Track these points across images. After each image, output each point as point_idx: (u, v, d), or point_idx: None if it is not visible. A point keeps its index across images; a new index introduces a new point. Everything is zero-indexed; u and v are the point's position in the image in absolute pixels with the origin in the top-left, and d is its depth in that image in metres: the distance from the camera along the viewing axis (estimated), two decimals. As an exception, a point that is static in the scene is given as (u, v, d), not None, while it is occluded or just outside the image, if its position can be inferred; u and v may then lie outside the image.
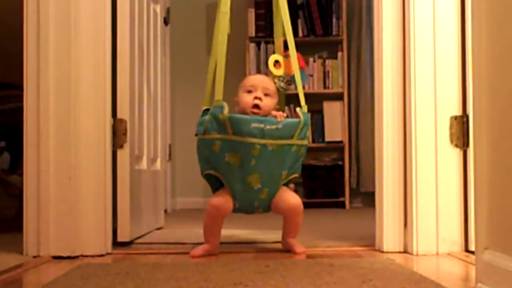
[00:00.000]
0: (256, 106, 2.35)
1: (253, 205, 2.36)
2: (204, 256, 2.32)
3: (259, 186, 2.32)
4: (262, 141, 2.26)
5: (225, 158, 2.28)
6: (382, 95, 2.41)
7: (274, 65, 2.46)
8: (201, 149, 2.35)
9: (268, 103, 2.37)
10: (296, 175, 2.42)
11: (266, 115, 2.34)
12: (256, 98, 2.36)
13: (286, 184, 2.43)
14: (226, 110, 2.26)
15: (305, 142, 2.39)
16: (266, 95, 2.37)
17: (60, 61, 2.32)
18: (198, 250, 2.34)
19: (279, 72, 2.45)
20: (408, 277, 1.78)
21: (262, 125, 2.26)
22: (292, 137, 2.33)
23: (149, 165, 3.00)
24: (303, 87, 2.47)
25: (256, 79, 2.42)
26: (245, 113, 2.35)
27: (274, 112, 2.35)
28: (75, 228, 2.31)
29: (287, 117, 2.37)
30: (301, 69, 2.47)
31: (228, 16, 2.38)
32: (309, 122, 2.40)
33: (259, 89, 2.37)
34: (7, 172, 3.31)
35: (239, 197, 2.33)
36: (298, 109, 2.39)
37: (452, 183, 2.32)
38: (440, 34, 2.33)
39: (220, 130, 2.27)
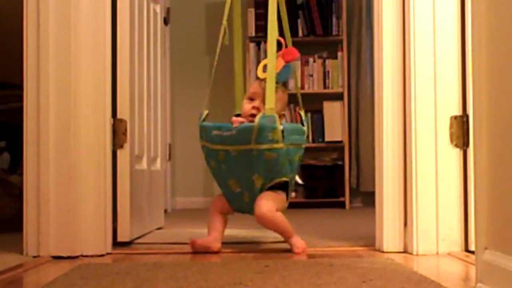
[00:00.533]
0: (252, 115, 2.40)
1: (243, 206, 2.45)
2: (203, 247, 2.39)
3: (238, 189, 2.41)
4: (223, 147, 2.35)
5: (210, 163, 2.45)
6: (382, 95, 2.41)
7: (264, 69, 2.46)
8: None
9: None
10: (284, 179, 2.39)
11: None
12: (253, 108, 2.42)
13: (273, 188, 2.39)
14: (201, 119, 2.44)
15: (264, 146, 2.27)
16: None
17: (60, 61, 2.32)
18: (199, 239, 2.41)
19: (265, 75, 2.44)
20: (408, 277, 1.78)
21: (220, 132, 2.35)
22: (249, 142, 2.29)
23: (149, 165, 3.00)
24: (287, 81, 2.50)
25: (258, 88, 2.45)
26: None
27: (233, 118, 2.42)
28: (75, 228, 2.31)
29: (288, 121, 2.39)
30: (288, 62, 2.45)
31: (224, 27, 2.55)
32: (274, 125, 2.27)
33: (260, 98, 2.42)
34: (7, 172, 3.32)
35: (229, 199, 2.47)
36: (259, 115, 2.29)
37: (452, 183, 2.32)
38: (440, 34, 2.33)
39: (201, 137, 2.44)
